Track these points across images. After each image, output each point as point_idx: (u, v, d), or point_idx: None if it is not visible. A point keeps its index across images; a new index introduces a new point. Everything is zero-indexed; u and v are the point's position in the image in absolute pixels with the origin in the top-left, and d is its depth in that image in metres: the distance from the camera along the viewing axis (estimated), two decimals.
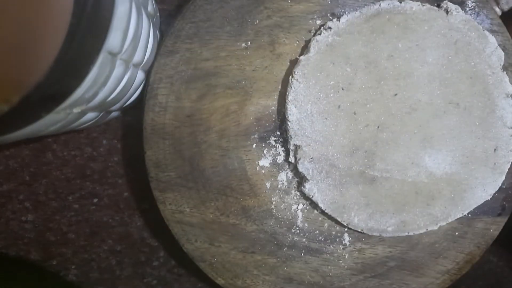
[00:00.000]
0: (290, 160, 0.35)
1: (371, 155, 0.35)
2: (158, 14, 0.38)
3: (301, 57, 0.34)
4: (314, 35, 0.35)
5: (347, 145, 0.34)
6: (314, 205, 0.36)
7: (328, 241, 0.37)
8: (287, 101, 0.34)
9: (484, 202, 0.36)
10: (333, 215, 0.35)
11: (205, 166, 0.36)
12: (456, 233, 0.37)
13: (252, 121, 0.36)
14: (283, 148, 0.36)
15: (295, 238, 0.37)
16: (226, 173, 0.36)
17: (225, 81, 0.36)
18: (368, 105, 0.34)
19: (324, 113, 0.34)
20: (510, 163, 0.35)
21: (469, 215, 0.36)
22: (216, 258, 0.36)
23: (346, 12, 0.35)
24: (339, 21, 0.34)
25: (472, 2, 0.36)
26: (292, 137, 0.34)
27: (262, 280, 0.37)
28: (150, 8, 0.33)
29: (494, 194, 0.36)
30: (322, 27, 0.35)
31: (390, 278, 0.37)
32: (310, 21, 0.36)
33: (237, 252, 0.36)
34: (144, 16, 0.30)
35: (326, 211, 0.35)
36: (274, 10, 0.35)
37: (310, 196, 0.35)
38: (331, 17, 0.35)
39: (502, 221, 0.37)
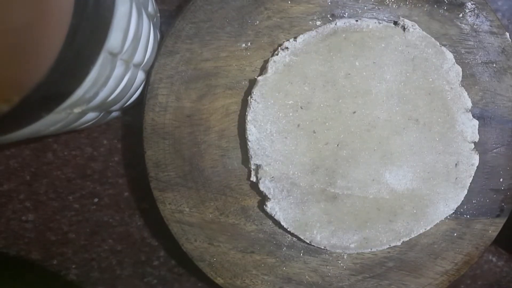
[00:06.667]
0: (252, 179, 0.35)
1: (331, 172, 0.35)
2: (159, 14, 0.38)
3: (259, 78, 0.34)
4: (272, 55, 0.35)
5: (308, 164, 0.34)
6: None
7: None
8: (246, 121, 0.34)
9: (483, 203, 0.36)
10: (295, 233, 0.35)
11: (205, 166, 0.36)
12: (455, 234, 0.37)
13: None
14: None
15: (294, 238, 0.37)
16: (225, 173, 0.36)
17: (225, 82, 0.36)
18: (327, 123, 0.34)
19: (283, 132, 0.34)
20: (472, 177, 0.35)
21: (468, 216, 0.37)
22: (215, 258, 0.36)
23: (303, 33, 0.35)
24: (296, 41, 0.34)
25: (471, 4, 0.36)
26: (252, 156, 0.34)
27: (261, 280, 0.37)
28: (150, 8, 0.33)
29: (493, 195, 0.36)
30: (279, 47, 0.35)
31: (389, 279, 0.37)
32: (310, 22, 0.36)
33: (236, 251, 0.36)
34: (145, 16, 0.30)
35: (288, 230, 0.35)
36: (274, 11, 0.35)
37: (272, 215, 0.35)
38: (331, 18, 0.36)
39: (500, 222, 0.37)
